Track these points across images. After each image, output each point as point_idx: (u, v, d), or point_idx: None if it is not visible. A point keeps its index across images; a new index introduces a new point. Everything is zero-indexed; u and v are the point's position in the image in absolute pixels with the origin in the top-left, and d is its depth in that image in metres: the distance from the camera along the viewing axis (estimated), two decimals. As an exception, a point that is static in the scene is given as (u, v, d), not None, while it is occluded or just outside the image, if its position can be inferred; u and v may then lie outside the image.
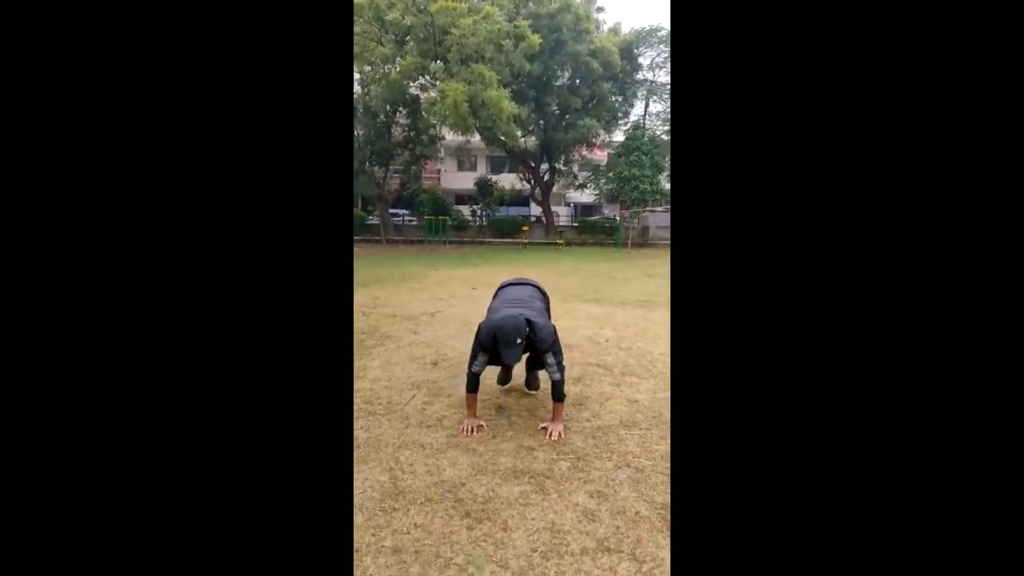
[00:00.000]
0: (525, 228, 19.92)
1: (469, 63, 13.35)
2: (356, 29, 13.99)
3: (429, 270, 9.52)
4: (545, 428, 2.41)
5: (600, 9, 18.46)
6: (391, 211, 20.46)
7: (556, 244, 17.73)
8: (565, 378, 2.41)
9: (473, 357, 2.42)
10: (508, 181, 22.34)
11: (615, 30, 18.19)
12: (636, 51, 18.47)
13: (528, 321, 2.29)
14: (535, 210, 22.41)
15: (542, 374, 2.79)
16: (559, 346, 2.44)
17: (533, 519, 1.73)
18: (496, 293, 2.81)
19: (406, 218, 21.66)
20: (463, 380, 2.49)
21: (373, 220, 20.17)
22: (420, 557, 1.53)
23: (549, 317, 2.70)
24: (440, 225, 18.06)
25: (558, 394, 2.38)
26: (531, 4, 15.55)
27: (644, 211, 18.31)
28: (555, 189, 21.06)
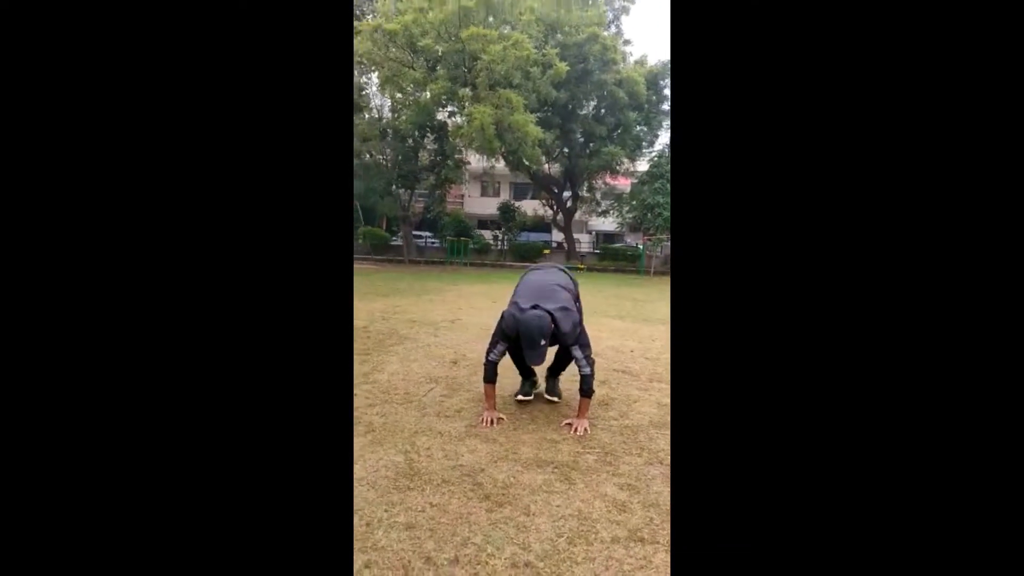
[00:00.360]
0: (546, 251, 19.85)
1: (497, 88, 13.61)
2: (389, 55, 14.47)
3: (449, 286, 9.48)
4: (570, 424, 2.27)
5: (627, 42, 18.82)
6: (415, 232, 20.64)
7: (577, 269, 17.60)
8: (594, 372, 2.28)
9: (492, 345, 2.32)
10: (530, 207, 22.42)
11: (641, 62, 18.44)
12: (662, 82, 18.60)
13: (552, 317, 2.20)
14: (556, 236, 22.40)
15: (563, 376, 2.66)
16: (586, 338, 2.32)
17: (558, 506, 1.59)
18: (521, 279, 2.67)
19: (429, 240, 21.83)
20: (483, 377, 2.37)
21: (397, 241, 20.39)
22: (435, 534, 1.40)
23: (577, 300, 2.57)
24: (462, 247, 18.12)
25: (586, 388, 2.25)
26: (559, 34, 15.89)
27: (667, 238, 18.08)
28: (577, 216, 21.06)
